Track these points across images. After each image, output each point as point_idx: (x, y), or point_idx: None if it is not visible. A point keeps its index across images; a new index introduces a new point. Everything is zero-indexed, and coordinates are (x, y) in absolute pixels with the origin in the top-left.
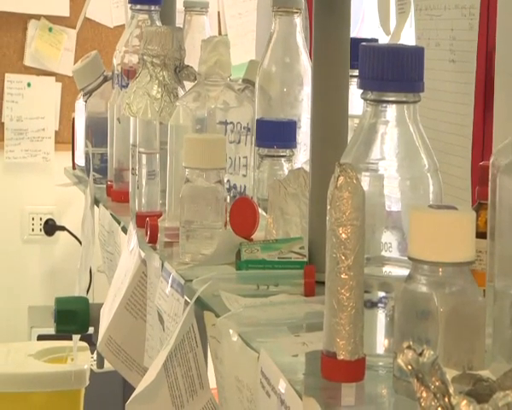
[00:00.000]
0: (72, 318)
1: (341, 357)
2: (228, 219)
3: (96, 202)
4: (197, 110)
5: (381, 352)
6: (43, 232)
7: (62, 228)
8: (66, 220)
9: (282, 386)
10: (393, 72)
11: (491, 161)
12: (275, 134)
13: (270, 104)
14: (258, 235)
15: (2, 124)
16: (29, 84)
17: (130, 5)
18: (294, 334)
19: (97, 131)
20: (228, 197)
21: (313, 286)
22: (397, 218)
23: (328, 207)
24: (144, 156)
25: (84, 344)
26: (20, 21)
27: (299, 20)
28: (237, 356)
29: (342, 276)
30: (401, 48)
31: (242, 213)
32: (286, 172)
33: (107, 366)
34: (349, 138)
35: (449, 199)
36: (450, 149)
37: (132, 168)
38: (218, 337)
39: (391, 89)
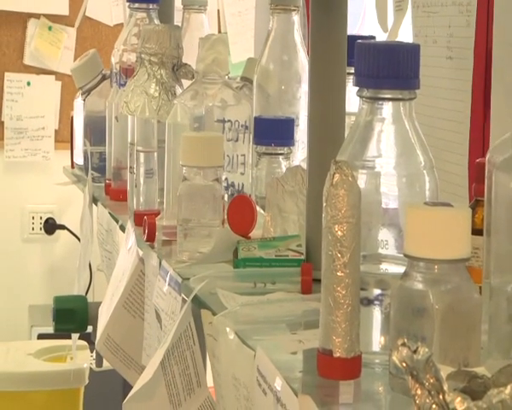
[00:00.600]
0: (71, 316)
1: (337, 355)
2: (225, 217)
3: (95, 200)
4: (195, 108)
5: (378, 349)
6: (43, 231)
7: (62, 227)
8: (66, 219)
9: (278, 384)
10: (389, 69)
11: (487, 157)
12: (273, 132)
13: (268, 102)
14: (255, 233)
15: (2, 123)
16: (29, 83)
17: (128, 4)
18: (291, 332)
19: (96, 130)
20: (226, 195)
21: (310, 284)
22: (393, 215)
23: (324, 204)
24: (142, 155)
25: (84, 343)
26: (19, 20)
27: (297, 18)
28: (234, 354)
29: (338, 273)
30: (397, 45)
31: (240, 212)
32: (284, 169)
33: (106, 364)
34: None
35: (446, 196)
36: (448, 146)
37: (130, 167)
38: (214, 335)
39: (387, 86)
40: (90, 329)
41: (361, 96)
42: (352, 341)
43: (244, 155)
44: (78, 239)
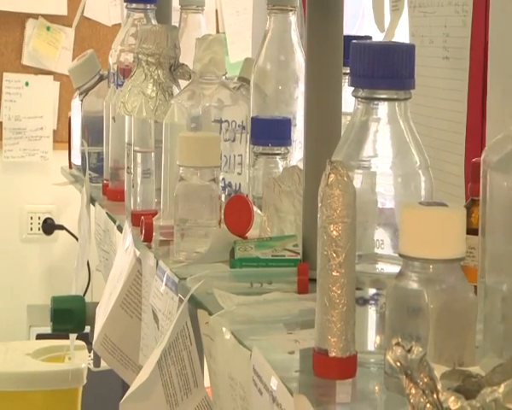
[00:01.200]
0: (69, 317)
1: (333, 354)
2: (222, 217)
3: (92, 200)
4: (192, 108)
5: (373, 349)
6: (41, 231)
7: (61, 227)
8: (64, 219)
9: (274, 383)
10: (384, 69)
11: (482, 157)
12: (270, 132)
13: (266, 102)
14: (252, 233)
15: (1, 123)
16: (27, 84)
17: (125, 4)
18: (287, 332)
19: (93, 130)
20: (223, 195)
21: (306, 283)
22: (389, 215)
23: (320, 204)
24: (139, 155)
25: (82, 343)
26: (17, 20)
27: (293, 18)
28: (230, 354)
29: (333, 273)
30: (392, 45)
31: (237, 212)
32: (281, 169)
33: (104, 364)
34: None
35: (443, 196)
36: (444, 146)
37: (127, 167)
38: (211, 335)
39: (382, 86)
40: (87, 329)
41: (356, 97)
42: (347, 340)
43: (241, 155)
44: (77, 239)
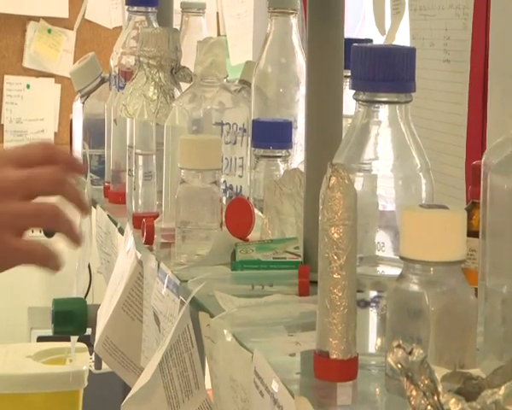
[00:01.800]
0: (70, 319)
1: (334, 356)
2: (224, 219)
3: (94, 203)
4: (193, 111)
5: (374, 351)
6: (42, 234)
7: None
8: None
9: (275, 386)
10: (385, 72)
11: (482, 160)
12: (271, 135)
13: (267, 105)
14: (253, 235)
15: (2, 126)
16: (28, 86)
17: (127, 7)
18: (289, 334)
19: (95, 133)
20: (224, 198)
21: (307, 286)
22: (390, 217)
23: (321, 207)
24: (141, 157)
25: (83, 345)
26: (19, 23)
27: (294, 21)
28: (231, 356)
29: (334, 276)
30: (393, 48)
31: (238, 214)
32: (282, 172)
33: (106, 366)
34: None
35: (444, 198)
36: (445, 149)
37: (129, 169)
38: (212, 338)
39: (383, 89)
40: (89, 331)
41: (357, 100)
42: (348, 343)
43: (242, 158)
44: None
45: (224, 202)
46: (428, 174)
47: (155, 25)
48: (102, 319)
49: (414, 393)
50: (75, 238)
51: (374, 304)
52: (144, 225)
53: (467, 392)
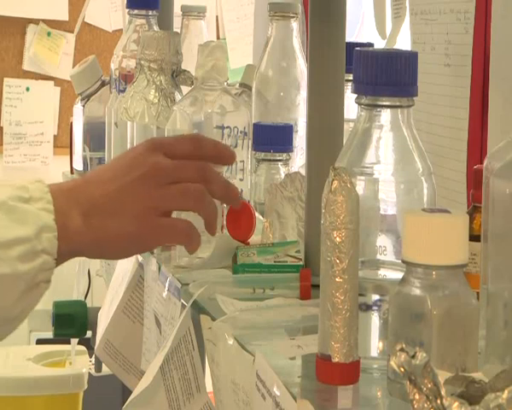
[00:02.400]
0: (71, 321)
1: (336, 360)
2: (224, 222)
3: None
4: (194, 115)
5: (376, 354)
6: None
7: None
8: None
9: (277, 389)
10: (387, 76)
11: (484, 164)
12: (272, 138)
13: (267, 108)
14: (254, 239)
15: (1, 128)
16: (28, 89)
17: (127, 10)
18: (290, 337)
19: (95, 136)
20: None
21: (309, 289)
22: (391, 221)
23: (323, 210)
24: None
25: (83, 348)
26: (18, 26)
27: (295, 25)
28: (233, 359)
29: (337, 279)
30: (395, 52)
31: (239, 217)
32: (283, 175)
33: (105, 369)
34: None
35: (445, 202)
36: (446, 153)
37: None
38: (214, 341)
39: (385, 93)
40: (89, 334)
41: (359, 103)
42: (350, 346)
43: (243, 162)
44: None
45: (224, 205)
46: (430, 178)
47: (156, 28)
48: (103, 321)
49: (417, 396)
50: (213, 224)
51: (376, 308)
52: None
53: (470, 396)
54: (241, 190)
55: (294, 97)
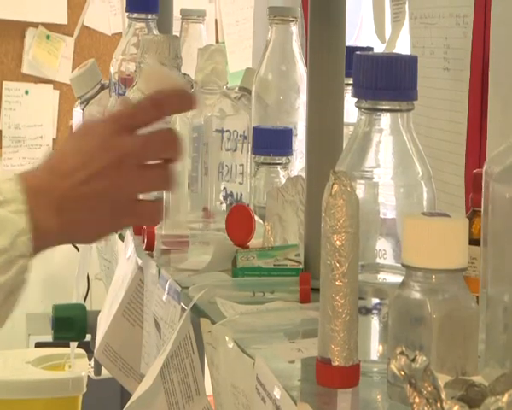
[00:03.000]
0: (70, 325)
1: (336, 363)
2: (224, 226)
3: None
4: (194, 118)
5: (376, 358)
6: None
7: None
8: None
9: (277, 392)
10: (387, 80)
11: (484, 168)
12: (271, 142)
13: (267, 112)
14: (254, 242)
15: (0, 132)
16: (27, 92)
17: (127, 13)
18: (290, 340)
19: None
20: (224, 205)
21: (308, 293)
22: (391, 225)
23: (323, 214)
24: None
25: (82, 351)
26: (17, 29)
27: (295, 29)
28: (233, 363)
29: (337, 283)
30: (395, 57)
31: (239, 221)
32: (282, 179)
33: (105, 373)
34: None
35: (443, 206)
36: (445, 157)
37: None
38: (214, 344)
39: (385, 97)
40: (88, 337)
41: (359, 107)
42: (350, 349)
43: (243, 165)
44: (76, 248)
45: (224, 208)
46: (430, 182)
47: (155, 32)
48: (103, 325)
49: (417, 400)
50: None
51: (375, 311)
52: (145, 232)
53: (470, 399)
54: (241, 194)
55: (294, 101)
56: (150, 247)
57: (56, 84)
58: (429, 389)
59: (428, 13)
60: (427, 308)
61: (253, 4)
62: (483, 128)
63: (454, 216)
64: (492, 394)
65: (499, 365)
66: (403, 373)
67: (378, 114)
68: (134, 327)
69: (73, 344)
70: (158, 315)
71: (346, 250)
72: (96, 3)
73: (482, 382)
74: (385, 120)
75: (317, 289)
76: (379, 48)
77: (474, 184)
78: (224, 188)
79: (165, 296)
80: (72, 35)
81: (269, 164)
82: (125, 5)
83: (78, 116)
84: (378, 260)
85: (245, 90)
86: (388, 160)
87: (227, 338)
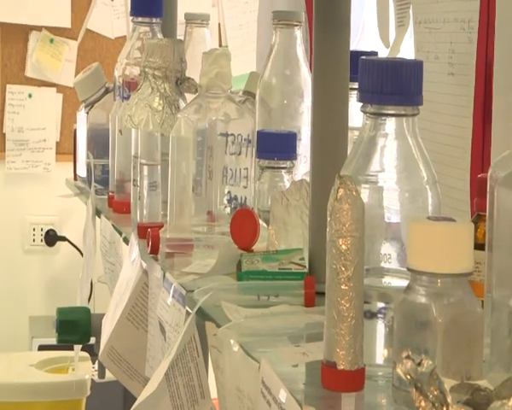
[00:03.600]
0: (74, 328)
1: (341, 367)
2: (228, 230)
3: (98, 212)
4: (198, 122)
5: (381, 362)
6: (44, 243)
7: (63, 238)
8: (67, 231)
9: (283, 396)
10: (393, 85)
11: (489, 173)
12: (275, 146)
13: (271, 116)
14: (258, 246)
15: (4, 135)
16: (30, 95)
17: (131, 17)
18: (295, 344)
19: (99, 143)
20: (228, 209)
21: (313, 297)
22: (396, 229)
23: (329, 218)
24: (146, 168)
25: (85, 354)
26: (21, 33)
27: (299, 33)
28: (238, 366)
29: (342, 287)
30: (400, 61)
31: (243, 225)
32: (286, 183)
33: (108, 376)
34: (349, 150)
35: (448, 210)
36: (450, 161)
37: (134, 179)
38: (219, 347)
39: (390, 102)
40: (92, 340)
41: (365, 112)
42: (355, 353)
43: (247, 169)
44: (79, 251)
45: (228, 212)
46: (435, 187)
47: (160, 36)
48: (107, 328)
49: (423, 404)
50: None
51: (380, 315)
52: (150, 235)
53: (475, 403)
54: (245, 198)
55: (298, 105)
56: (155, 250)
57: (60, 88)
58: (435, 393)
59: (433, 18)
60: (432, 313)
61: (256, 8)
62: (488, 133)
63: (460, 221)
64: (498, 398)
65: (504, 369)
66: (409, 377)
67: (383, 118)
68: (138, 330)
69: (77, 347)
70: (163, 318)
71: (352, 254)
72: (99, 7)
73: (488, 386)
74: (390, 124)
75: (322, 293)
76: (382, 52)
77: (478, 189)
78: (229, 192)
79: (170, 300)
80: (75, 38)
81: (273, 168)
82: (128, 9)
83: (82, 120)
84: (383, 265)
85: (249, 94)
86: (393, 164)
87: (232, 342)
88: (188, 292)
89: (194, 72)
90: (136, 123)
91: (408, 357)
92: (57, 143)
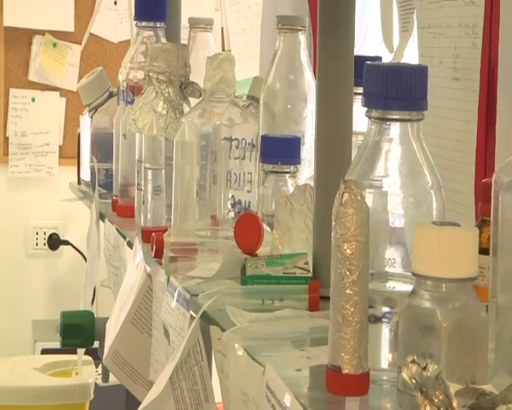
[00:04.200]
0: (78, 332)
1: (346, 371)
2: (232, 234)
3: (102, 216)
4: (202, 126)
5: (386, 366)
6: (47, 247)
7: (66, 242)
8: (70, 235)
9: (288, 400)
10: (397, 90)
11: (493, 178)
12: (279, 150)
13: (275, 121)
14: (262, 250)
15: (7, 139)
16: (33, 99)
17: (135, 22)
18: (299, 348)
19: (102, 147)
20: (232, 213)
21: (318, 301)
22: (400, 234)
23: (334, 223)
24: (150, 172)
25: (88, 358)
26: (24, 37)
27: (303, 38)
28: (243, 370)
29: (347, 291)
30: (405, 67)
31: (247, 229)
32: (290, 187)
33: (111, 379)
34: (353, 155)
35: (453, 215)
36: (454, 166)
37: (138, 184)
38: (223, 351)
39: (395, 107)
40: (96, 344)
41: (369, 117)
42: (360, 358)
43: (251, 173)
44: (82, 255)
45: (232, 217)
46: (440, 192)
47: (163, 40)
48: (111, 332)
49: (428, 408)
50: None
51: (385, 320)
52: (154, 239)
53: (481, 408)
54: (249, 202)
55: (302, 110)
56: (159, 254)
57: (63, 92)
58: (440, 397)
59: (437, 23)
60: (437, 317)
61: (259, 13)
62: (492, 138)
63: (464, 225)
64: (503, 402)
65: (509, 374)
66: (414, 381)
67: (388, 123)
68: (142, 334)
69: (81, 351)
70: (167, 322)
71: (357, 259)
72: (102, 11)
73: (493, 390)
74: (395, 129)
75: (326, 298)
76: (385, 57)
77: (483, 194)
78: (233, 196)
79: (174, 304)
80: (78, 43)
81: (277, 172)
82: (132, 13)
83: (86, 124)
84: (387, 269)
85: (253, 99)
86: (398, 169)
87: (237, 346)
88: (192, 296)
89: (197, 76)
90: (141, 127)
91: (413, 361)
92: (60, 147)
